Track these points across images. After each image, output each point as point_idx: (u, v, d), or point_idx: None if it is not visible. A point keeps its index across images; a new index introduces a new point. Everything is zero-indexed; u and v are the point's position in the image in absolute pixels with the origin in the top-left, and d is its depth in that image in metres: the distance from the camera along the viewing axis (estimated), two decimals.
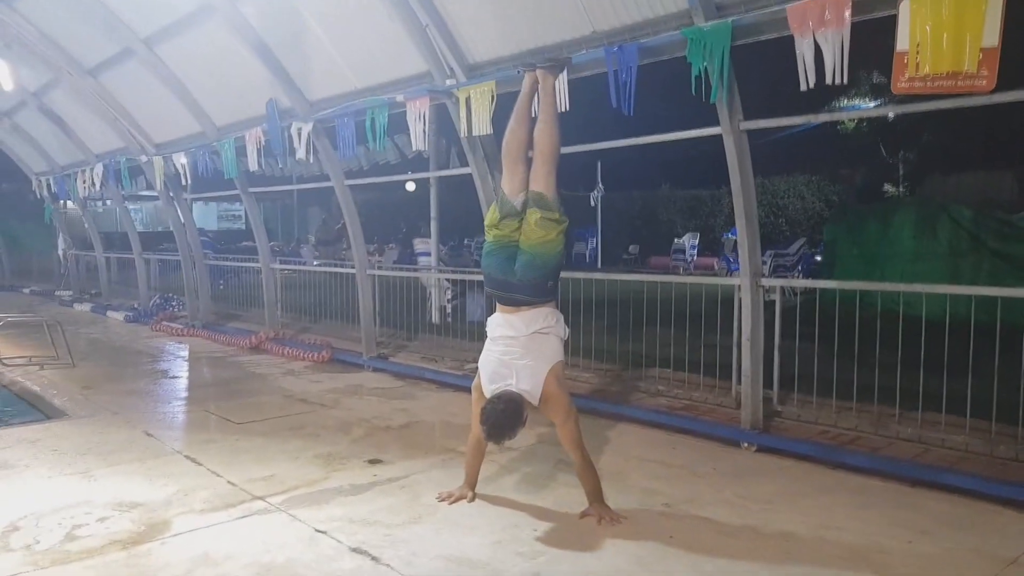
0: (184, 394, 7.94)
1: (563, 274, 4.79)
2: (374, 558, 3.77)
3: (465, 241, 26.46)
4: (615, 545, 3.90)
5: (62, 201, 17.90)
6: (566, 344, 4.41)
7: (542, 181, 4.23)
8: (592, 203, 28.18)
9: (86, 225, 17.24)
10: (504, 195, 4.29)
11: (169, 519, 4.26)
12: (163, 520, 4.25)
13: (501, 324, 4.24)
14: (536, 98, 4.52)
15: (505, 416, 3.98)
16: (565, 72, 5.88)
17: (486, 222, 4.39)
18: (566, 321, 4.43)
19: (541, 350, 4.14)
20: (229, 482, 4.87)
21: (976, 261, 11.97)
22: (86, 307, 15.21)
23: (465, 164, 7.52)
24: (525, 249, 4.20)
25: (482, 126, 6.64)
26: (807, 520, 4.21)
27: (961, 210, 12.58)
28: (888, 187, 25.01)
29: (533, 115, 4.48)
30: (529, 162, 4.31)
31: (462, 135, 7.01)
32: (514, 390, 4.06)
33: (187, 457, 5.43)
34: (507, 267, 4.19)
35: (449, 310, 11.70)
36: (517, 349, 4.14)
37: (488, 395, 4.15)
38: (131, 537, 4.02)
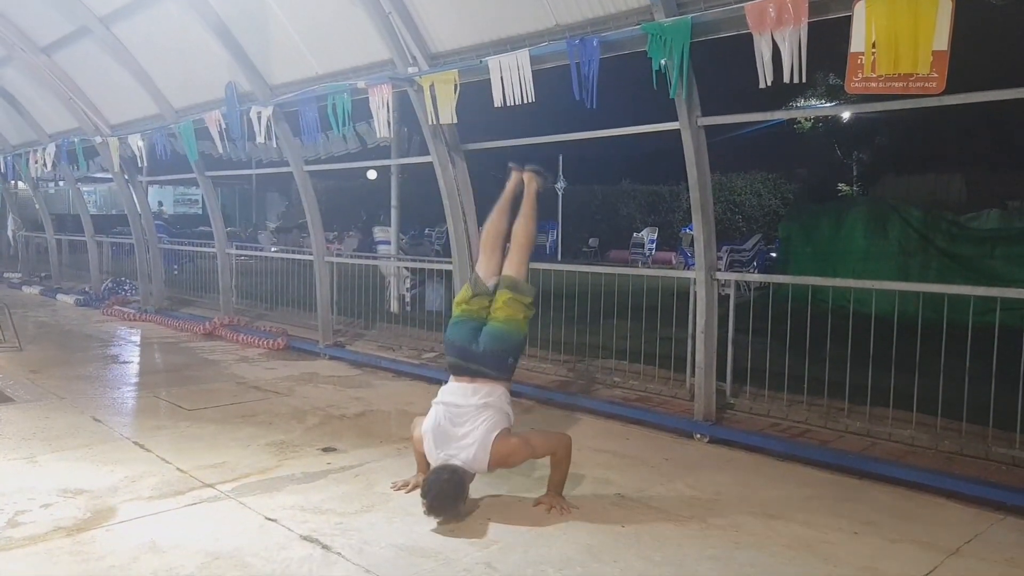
0: (134, 380, 7.79)
1: None
2: (325, 546, 3.74)
3: (426, 231, 26.37)
4: (567, 534, 3.93)
5: (13, 181, 17.46)
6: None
7: (515, 268, 4.49)
8: (558, 191, 28.35)
9: (37, 206, 16.85)
10: (478, 277, 4.52)
11: (115, 506, 4.19)
12: (109, 507, 4.17)
13: (453, 392, 4.25)
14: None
15: (450, 486, 3.95)
16: (528, 63, 5.92)
17: (456, 299, 4.56)
18: None
19: (486, 420, 4.11)
20: (178, 469, 4.80)
21: (924, 260, 12.27)
22: (35, 290, 14.86)
23: (426, 152, 7.48)
24: (491, 322, 4.33)
25: (446, 114, 6.60)
26: (756, 510, 4.28)
27: (911, 210, 12.88)
28: (842, 186, 25.53)
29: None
30: (505, 251, 4.58)
31: (428, 123, 6.97)
32: (458, 464, 4.05)
33: (136, 443, 5.34)
34: (471, 337, 4.28)
35: (408, 299, 11.66)
36: (463, 418, 4.12)
37: (432, 460, 4.15)
38: (76, 524, 3.94)
